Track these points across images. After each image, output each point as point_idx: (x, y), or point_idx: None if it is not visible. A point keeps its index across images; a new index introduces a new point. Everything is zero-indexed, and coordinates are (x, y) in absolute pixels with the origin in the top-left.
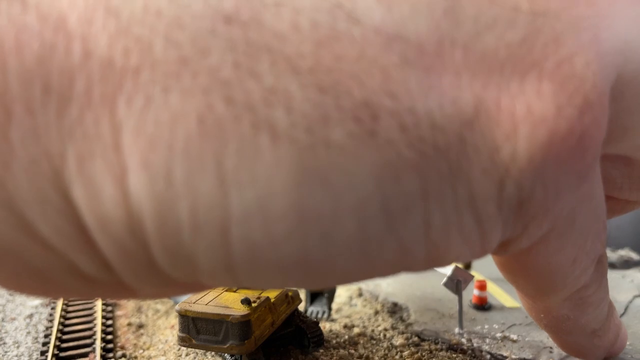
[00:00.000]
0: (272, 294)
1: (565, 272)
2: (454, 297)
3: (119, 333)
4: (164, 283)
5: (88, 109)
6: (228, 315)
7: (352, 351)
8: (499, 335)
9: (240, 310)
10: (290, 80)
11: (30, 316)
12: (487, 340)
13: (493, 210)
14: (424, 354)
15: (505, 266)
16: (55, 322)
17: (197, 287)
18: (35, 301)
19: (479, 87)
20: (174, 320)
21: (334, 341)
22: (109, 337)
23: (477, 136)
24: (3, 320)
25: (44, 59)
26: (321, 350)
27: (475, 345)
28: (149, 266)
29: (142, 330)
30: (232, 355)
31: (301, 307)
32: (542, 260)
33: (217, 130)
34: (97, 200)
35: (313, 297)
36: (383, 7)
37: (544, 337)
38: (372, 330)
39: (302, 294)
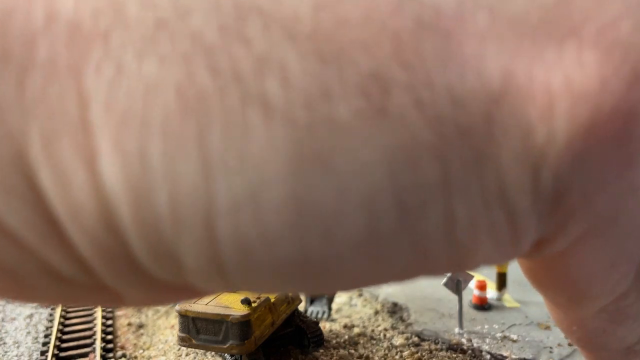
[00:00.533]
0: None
1: (602, 278)
2: (454, 297)
3: (119, 333)
4: (150, 286)
5: (52, 80)
6: (228, 315)
7: (352, 351)
8: (499, 335)
9: (240, 310)
10: (285, 47)
11: (30, 316)
12: (487, 340)
13: (527, 204)
14: (424, 353)
15: (534, 271)
16: (55, 322)
17: (190, 292)
18: None
19: (508, 57)
20: (174, 320)
21: (334, 341)
22: (109, 337)
23: (506, 115)
24: (3, 320)
25: (2, 23)
26: (321, 350)
27: (475, 345)
28: (129, 265)
29: (142, 330)
30: (232, 355)
31: (301, 307)
32: (577, 264)
33: (199, 105)
34: (66, 187)
35: (313, 297)
36: None
37: (544, 337)
38: (372, 330)
39: (302, 294)
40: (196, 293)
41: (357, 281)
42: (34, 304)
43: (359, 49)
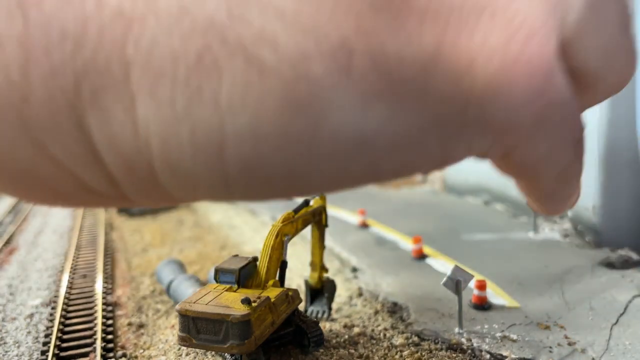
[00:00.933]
0: (273, 294)
1: (548, 162)
2: (453, 296)
3: (119, 333)
4: (163, 197)
5: (100, 50)
6: (228, 315)
7: (352, 351)
8: (498, 334)
9: (240, 310)
10: (276, 23)
11: (31, 316)
12: (487, 340)
13: (454, 130)
14: (423, 353)
15: (507, 172)
16: (56, 322)
17: (188, 201)
18: (36, 300)
19: (441, 26)
20: (174, 320)
21: (334, 341)
22: (110, 337)
23: (439, 70)
24: (4, 320)
25: (61, 9)
26: (321, 350)
27: (475, 344)
28: (152, 182)
29: (142, 330)
30: (232, 355)
31: (301, 306)
32: (526, 158)
33: (213, 65)
34: (107, 125)
35: (313, 296)
36: None
37: (543, 337)
38: (372, 330)
39: (302, 294)
40: (194, 200)
41: (326, 186)
42: (44, 300)
43: (331, 24)
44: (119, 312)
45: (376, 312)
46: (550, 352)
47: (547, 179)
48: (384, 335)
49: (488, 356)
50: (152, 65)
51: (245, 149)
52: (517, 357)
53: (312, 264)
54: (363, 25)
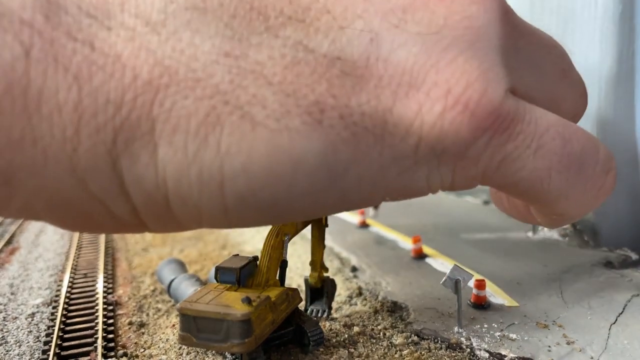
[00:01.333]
0: (273, 293)
1: (544, 177)
2: (453, 296)
3: (120, 332)
4: (173, 225)
5: (133, 110)
6: (229, 314)
7: (352, 350)
8: (498, 334)
9: (240, 309)
10: (266, 89)
11: (32, 315)
12: (486, 339)
13: (411, 164)
14: (423, 352)
15: (500, 192)
16: (57, 321)
17: (196, 227)
18: (37, 300)
19: (395, 85)
20: (175, 319)
21: (334, 340)
22: (110, 336)
23: (395, 117)
24: (5, 319)
25: (106, 81)
26: (321, 349)
27: (474, 343)
28: (166, 212)
29: (143, 329)
30: (232, 354)
31: (301, 306)
32: (517, 177)
33: (217, 120)
34: (135, 166)
35: (313, 296)
36: (329, 40)
37: (542, 337)
38: (372, 329)
39: (303, 294)
40: (199, 227)
41: (306, 214)
42: (45, 300)
43: (307, 88)
44: (119, 312)
45: (376, 312)
46: (549, 351)
47: (546, 184)
48: (384, 334)
49: (487, 355)
50: (171, 121)
51: (239, 184)
52: (516, 356)
53: (312, 264)
54: (333, 87)
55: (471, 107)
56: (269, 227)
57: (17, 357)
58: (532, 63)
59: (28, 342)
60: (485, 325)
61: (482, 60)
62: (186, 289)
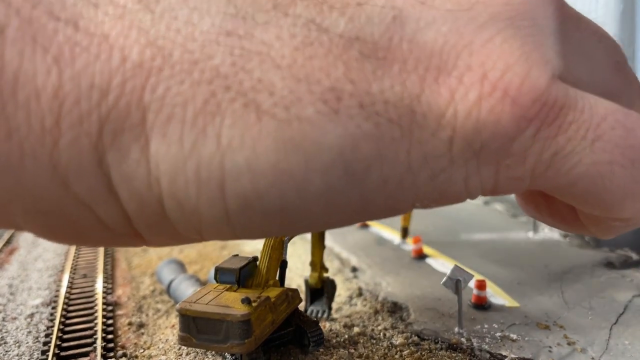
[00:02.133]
0: (273, 294)
1: (607, 178)
2: (453, 296)
3: (119, 332)
4: (171, 235)
5: (121, 97)
6: (228, 315)
7: (352, 350)
8: (498, 334)
9: (240, 309)
10: (273, 73)
11: (31, 316)
12: (487, 340)
13: (445, 164)
14: (423, 353)
15: (571, 200)
16: (56, 322)
17: (198, 239)
18: (37, 300)
19: (423, 69)
20: (175, 319)
21: (334, 340)
22: (110, 336)
23: (424, 106)
24: (4, 319)
25: (90, 63)
26: (321, 350)
27: (474, 344)
28: (161, 218)
29: (142, 330)
30: (232, 355)
31: (301, 306)
32: (572, 175)
33: (217, 109)
34: (124, 162)
35: (313, 296)
36: (345, 17)
37: (543, 337)
38: (372, 330)
39: (302, 294)
40: (201, 239)
41: (321, 222)
42: (44, 300)
43: (322, 72)
44: (119, 312)
45: (376, 312)
46: (550, 351)
47: (610, 183)
48: (384, 334)
49: (488, 356)
50: (165, 109)
51: (243, 183)
52: (516, 356)
53: (312, 264)
54: (351, 72)
55: (512, 93)
56: None
57: (17, 357)
58: (582, 52)
59: (27, 342)
60: (486, 326)
61: (524, 41)
62: (186, 289)
